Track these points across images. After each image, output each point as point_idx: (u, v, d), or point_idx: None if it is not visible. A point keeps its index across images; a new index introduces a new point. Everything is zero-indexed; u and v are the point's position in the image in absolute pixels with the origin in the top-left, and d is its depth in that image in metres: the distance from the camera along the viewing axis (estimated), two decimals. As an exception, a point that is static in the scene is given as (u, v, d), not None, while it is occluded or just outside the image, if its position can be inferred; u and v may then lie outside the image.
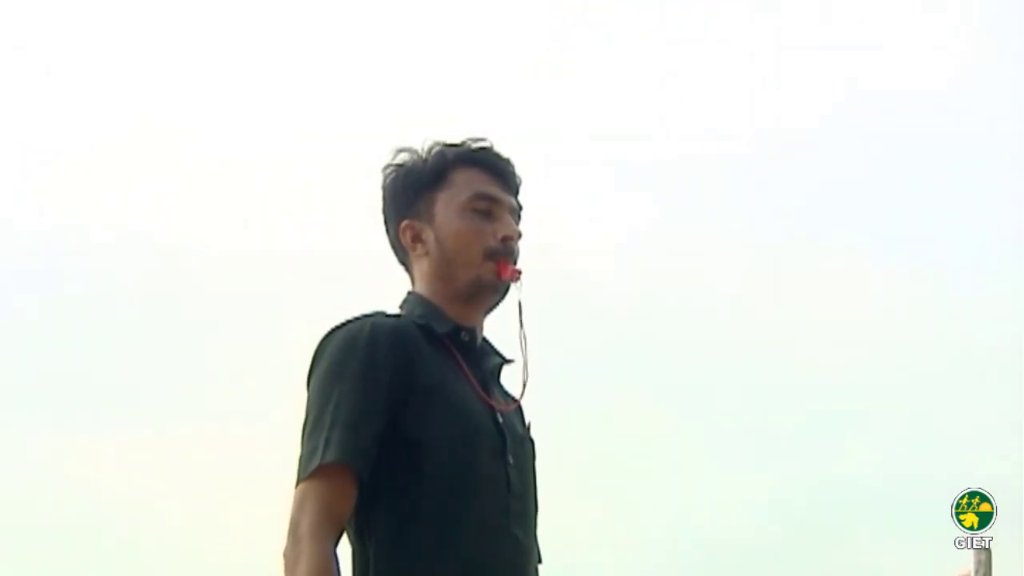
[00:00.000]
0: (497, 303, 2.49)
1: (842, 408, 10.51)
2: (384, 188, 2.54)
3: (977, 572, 7.66)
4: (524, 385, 2.48)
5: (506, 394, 2.51)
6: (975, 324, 10.57)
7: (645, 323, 10.73)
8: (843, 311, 10.89)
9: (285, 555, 2.22)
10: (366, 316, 2.39)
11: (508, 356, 2.52)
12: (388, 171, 2.54)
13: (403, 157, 2.54)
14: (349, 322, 2.37)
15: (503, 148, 2.57)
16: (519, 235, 2.49)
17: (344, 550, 2.33)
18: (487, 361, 2.49)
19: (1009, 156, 10.68)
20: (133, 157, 11.21)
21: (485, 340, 2.51)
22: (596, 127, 11.21)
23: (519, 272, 2.47)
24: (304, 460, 2.28)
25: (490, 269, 2.44)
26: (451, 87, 10.76)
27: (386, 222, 2.55)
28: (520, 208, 2.53)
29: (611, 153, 11.12)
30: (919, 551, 8.82)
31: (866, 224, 11.37)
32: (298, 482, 2.27)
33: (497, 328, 2.54)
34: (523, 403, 2.52)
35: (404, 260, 2.54)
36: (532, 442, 2.51)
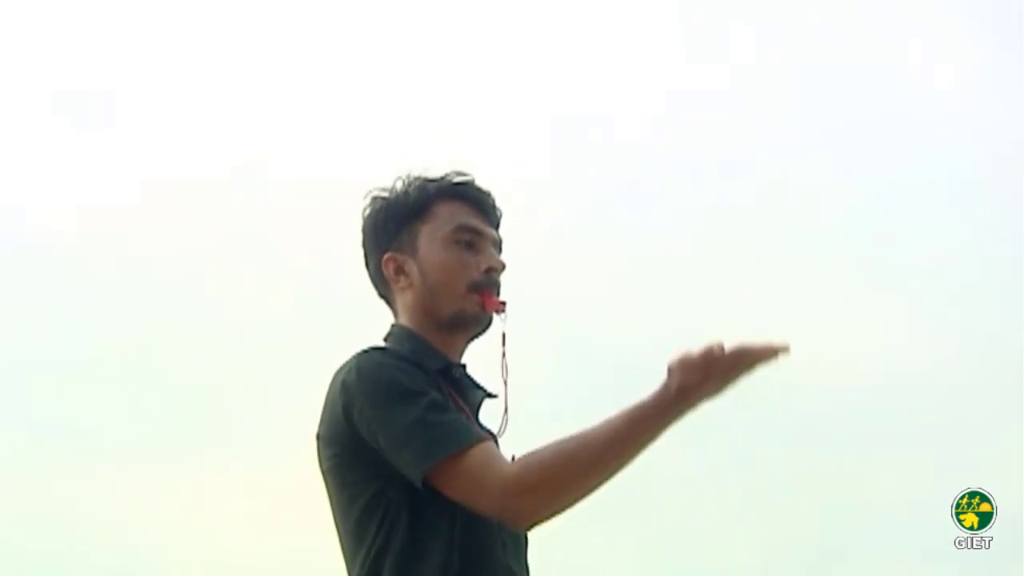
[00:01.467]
0: (480, 334, 2.51)
1: (843, 411, 10.52)
2: (365, 221, 2.56)
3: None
4: (505, 422, 2.48)
5: (484, 428, 2.50)
6: (974, 325, 10.58)
7: (636, 351, 10.73)
8: (843, 317, 10.90)
9: (527, 504, 2.19)
10: (373, 348, 2.41)
11: (490, 389, 2.52)
12: (368, 204, 2.57)
13: (383, 192, 2.56)
14: (366, 352, 2.39)
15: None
16: (503, 267, 2.51)
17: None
18: (472, 395, 2.50)
19: (1008, 162, 10.71)
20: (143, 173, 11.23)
21: (466, 373, 2.52)
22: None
23: (503, 304, 2.48)
24: (429, 448, 2.25)
25: (474, 301, 2.46)
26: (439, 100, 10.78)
27: (366, 255, 2.57)
28: (501, 241, 2.55)
29: (585, 156, 11.11)
30: (919, 555, 8.83)
31: (858, 227, 11.38)
32: (429, 473, 2.24)
33: (482, 356, 2.56)
34: (506, 436, 2.50)
35: (385, 293, 2.56)
36: None
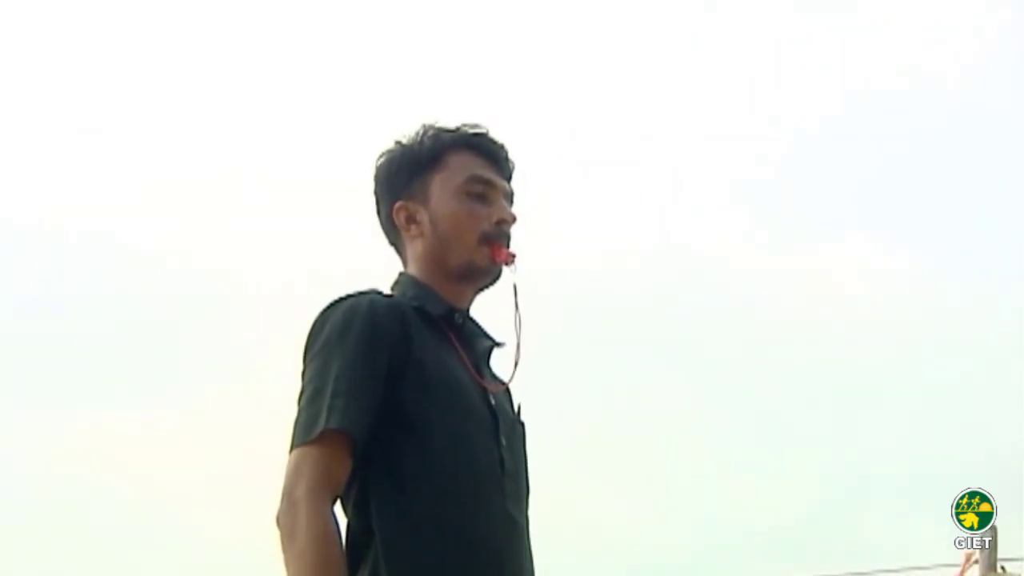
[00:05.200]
0: (489, 285, 2.50)
1: (855, 401, 10.53)
2: (378, 168, 2.55)
3: (982, 551, 7.71)
4: (515, 366, 2.48)
5: (496, 377, 2.52)
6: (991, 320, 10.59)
7: (669, 318, 10.80)
8: (863, 309, 10.92)
9: (279, 520, 2.22)
10: (363, 293, 2.39)
11: (498, 339, 2.52)
12: (381, 156, 2.55)
13: (397, 140, 2.54)
14: (346, 297, 2.38)
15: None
16: (514, 219, 2.50)
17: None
18: (479, 343, 2.50)
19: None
20: (124, 152, 11.29)
21: (474, 321, 2.52)
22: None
23: (513, 256, 2.47)
24: (303, 426, 2.27)
25: (484, 253, 2.45)
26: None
27: (378, 202, 2.55)
28: (513, 193, 2.54)
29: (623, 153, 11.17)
30: (925, 532, 8.85)
31: (888, 217, 11.40)
32: (293, 447, 2.27)
33: (493, 307, 2.55)
34: (514, 386, 2.51)
35: (395, 241, 2.54)
36: (523, 425, 2.52)
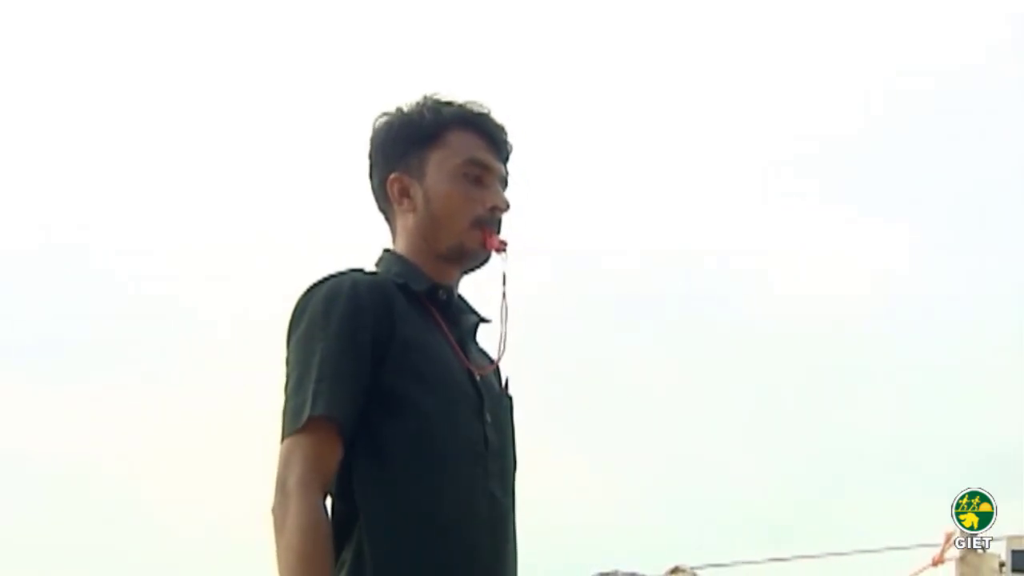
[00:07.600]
0: (476, 268, 2.47)
1: (846, 368, 10.48)
2: (375, 131, 2.50)
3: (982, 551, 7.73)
4: (500, 357, 2.46)
5: (482, 352, 2.49)
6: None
7: (645, 280, 10.75)
8: (861, 304, 10.86)
9: (273, 511, 2.20)
10: (344, 273, 2.36)
11: (485, 315, 2.49)
12: (381, 118, 2.50)
13: (399, 108, 2.49)
14: (328, 278, 2.35)
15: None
16: (507, 206, 2.46)
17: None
18: (464, 319, 2.47)
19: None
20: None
21: (461, 298, 2.49)
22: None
23: (504, 243, 2.44)
24: (291, 415, 2.25)
25: (475, 238, 2.42)
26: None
27: (372, 168, 2.50)
28: (508, 176, 2.49)
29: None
30: (917, 513, 8.81)
31: (887, 213, 11.34)
32: (284, 437, 2.24)
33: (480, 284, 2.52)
34: (505, 362, 2.47)
35: (385, 209, 2.50)
36: (510, 399, 2.50)
